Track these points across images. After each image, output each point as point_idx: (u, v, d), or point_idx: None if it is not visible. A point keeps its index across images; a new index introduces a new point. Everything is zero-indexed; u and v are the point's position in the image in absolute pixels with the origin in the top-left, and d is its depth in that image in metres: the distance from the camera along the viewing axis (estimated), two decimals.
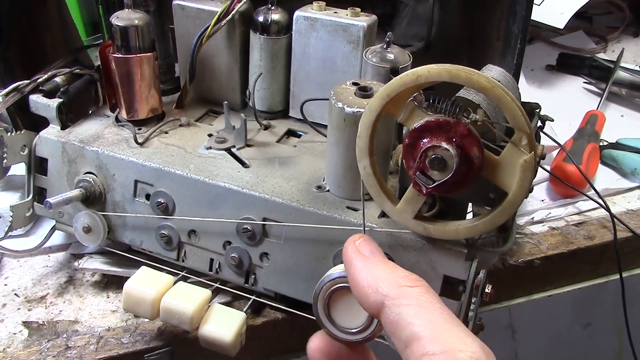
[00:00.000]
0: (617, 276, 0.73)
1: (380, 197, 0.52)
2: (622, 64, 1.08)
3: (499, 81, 0.47)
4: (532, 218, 0.78)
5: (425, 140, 0.46)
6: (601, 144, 0.89)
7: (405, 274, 0.36)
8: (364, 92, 0.56)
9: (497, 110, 0.56)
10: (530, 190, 0.49)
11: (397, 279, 0.36)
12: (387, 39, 0.61)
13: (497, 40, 0.82)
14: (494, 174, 0.48)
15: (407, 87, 0.46)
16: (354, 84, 0.58)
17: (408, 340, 0.32)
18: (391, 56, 0.61)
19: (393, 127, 0.58)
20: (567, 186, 0.78)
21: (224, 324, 0.57)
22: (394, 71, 0.60)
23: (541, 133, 0.67)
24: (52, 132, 0.67)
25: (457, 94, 0.53)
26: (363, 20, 0.65)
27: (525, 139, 0.46)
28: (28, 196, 0.69)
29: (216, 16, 0.67)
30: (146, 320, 0.63)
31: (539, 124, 0.66)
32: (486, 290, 0.55)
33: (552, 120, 0.65)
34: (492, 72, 0.62)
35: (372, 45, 0.64)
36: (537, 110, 0.65)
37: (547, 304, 0.77)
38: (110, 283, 0.69)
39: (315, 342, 0.43)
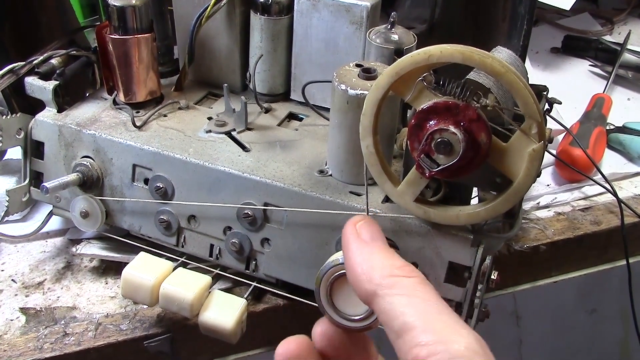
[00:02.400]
0: (624, 262, 0.72)
1: (381, 177, 0.50)
2: (628, 47, 1.06)
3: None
4: (538, 203, 0.77)
5: (432, 122, 0.45)
6: (608, 127, 0.88)
7: (401, 264, 0.35)
8: (368, 73, 0.55)
9: (507, 95, 0.54)
10: (538, 175, 0.48)
11: (391, 269, 0.35)
12: (392, 20, 0.60)
13: (502, 21, 0.81)
14: (500, 161, 0.47)
15: (418, 66, 0.45)
16: (358, 65, 0.57)
17: (400, 330, 0.32)
18: (395, 37, 0.60)
19: (397, 110, 0.56)
20: (574, 170, 0.76)
21: (225, 310, 0.57)
22: (399, 52, 0.59)
23: (548, 116, 0.66)
24: (48, 115, 0.66)
25: (467, 77, 0.52)
26: (367, 0, 0.63)
27: (536, 127, 0.45)
28: (24, 180, 0.68)
29: None
30: (145, 306, 0.62)
31: (546, 106, 0.65)
32: (492, 277, 0.54)
33: (560, 103, 0.64)
34: (502, 55, 0.61)
35: (375, 26, 0.62)
36: (545, 93, 0.64)
37: (553, 290, 0.76)
38: (109, 269, 0.68)
39: (322, 327, 0.42)
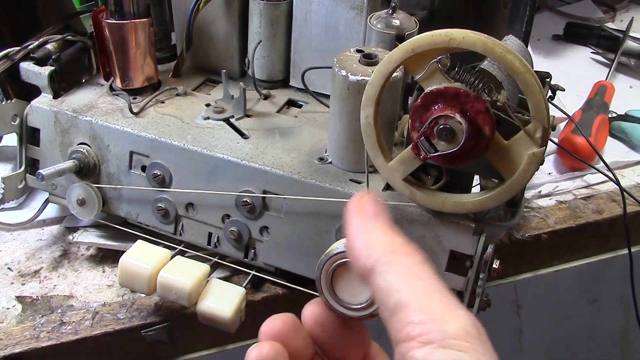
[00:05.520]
0: (626, 251, 0.71)
1: (374, 150, 0.50)
2: (631, 34, 1.05)
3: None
4: (539, 191, 0.76)
5: (438, 106, 0.44)
6: (610, 115, 0.87)
7: (402, 242, 0.34)
8: (369, 59, 0.54)
9: (514, 90, 0.53)
10: (541, 162, 0.48)
11: (392, 246, 0.33)
12: (393, 4, 0.59)
13: (504, 7, 0.80)
14: (497, 157, 0.47)
15: (436, 47, 0.44)
16: (358, 51, 0.56)
17: (394, 308, 0.30)
18: (397, 22, 0.59)
19: (399, 96, 0.56)
20: (576, 159, 0.76)
21: (223, 299, 0.56)
22: (400, 38, 0.58)
23: (550, 104, 0.65)
24: (44, 101, 0.65)
25: (480, 65, 0.51)
26: None
27: (541, 131, 0.45)
28: (20, 167, 0.67)
29: None
30: (143, 295, 0.61)
31: (549, 93, 0.64)
32: (494, 266, 0.53)
33: (564, 90, 0.63)
34: (514, 45, 0.60)
35: (376, 11, 0.61)
36: (548, 80, 0.63)
37: (554, 279, 0.75)
38: (106, 257, 0.67)
39: (311, 309, 0.41)
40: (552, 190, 0.76)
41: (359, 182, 0.56)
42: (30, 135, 0.66)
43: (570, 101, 0.89)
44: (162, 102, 0.66)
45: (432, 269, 0.32)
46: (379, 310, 0.32)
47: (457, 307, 0.30)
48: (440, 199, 0.50)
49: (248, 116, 0.65)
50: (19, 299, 0.62)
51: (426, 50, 0.44)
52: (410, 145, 0.47)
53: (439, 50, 0.44)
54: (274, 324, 0.37)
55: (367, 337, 0.42)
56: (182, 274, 0.56)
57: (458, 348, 0.28)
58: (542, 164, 0.48)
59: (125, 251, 0.58)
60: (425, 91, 0.45)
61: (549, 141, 0.53)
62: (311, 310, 0.41)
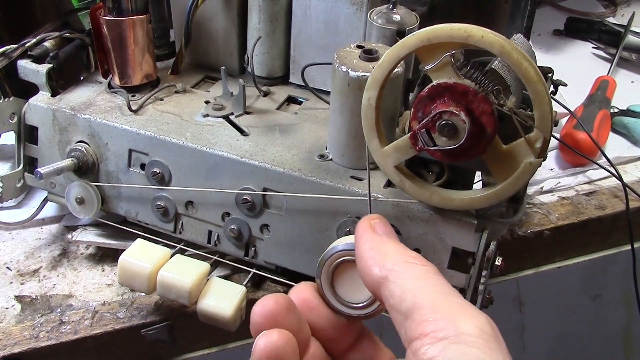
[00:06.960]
0: (629, 247, 0.71)
1: (371, 133, 0.49)
2: (632, 29, 1.04)
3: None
4: (541, 187, 0.76)
5: (444, 100, 0.43)
6: (612, 110, 0.87)
7: (414, 255, 0.35)
8: (369, 55, 0.53)
9: (519, 88, 0.53)
10: (544, 159, 0.47)
11: (405, 257, 0.34)
12: (393, 0, 0.58)
13: (505, 2, 0.79)
14: (493, 160, 0.46)
15: (452, 41, 0.44)
16: (359, 47, 0.55)
17: (409, 311, 0.31)
18: (397, 17, 0.58)
19: (400, 92, 0.55)
20: (578, 154, 0.75)
21: (224, 298, 0.56)
22: (401, 33, 0.58)
23: (552, 99, 0.64)
24: (42, 99, 0.64)
25: (492, 65, 0.50)
26: None
27: (541, 142, 0.44)
28: (18, 166, 0.66)
29: None
30: (143, 294, 0.61)
31: (552, 89, 0.64)
32: (496, 263, 0.53)
33: (566, 85, 0.63)
34: (523, 46, 0.59)
35: (376, 6, 0.61)
36: (550, 75, 0.63)
37: (556, 276, 0.75)
38: (106, 256, 0.67)
39: (297, 291, 0.40)
40: (554, 186, 0.76)
41: (360, 179, 0.55)
42: (28, 134, 0.65)
43: (571, 96, 0.88)
44: (161, 99, 0.65)
45: (444, 278, 0.33)
46: (392, 318, 0.32)
47: (471, 307, 0.31)
48: (428, 191, 0.49)
49: (248, 113, 0.64)
50: (18, 298, 0.62)
51: (442, 43, 0.44)
52: (409, 134, 0.46)
53: (454, 45, 0.44)
54: (267, 303, 0.37)
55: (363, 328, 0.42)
56: (182, 272, 0.56)
57: (472, 344, 0.28)
58: (544, 160, 0.47)
59: (124, 250, 0.57)
60: (434, 83, 0.44)
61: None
62: (298, 293, 0.41)
